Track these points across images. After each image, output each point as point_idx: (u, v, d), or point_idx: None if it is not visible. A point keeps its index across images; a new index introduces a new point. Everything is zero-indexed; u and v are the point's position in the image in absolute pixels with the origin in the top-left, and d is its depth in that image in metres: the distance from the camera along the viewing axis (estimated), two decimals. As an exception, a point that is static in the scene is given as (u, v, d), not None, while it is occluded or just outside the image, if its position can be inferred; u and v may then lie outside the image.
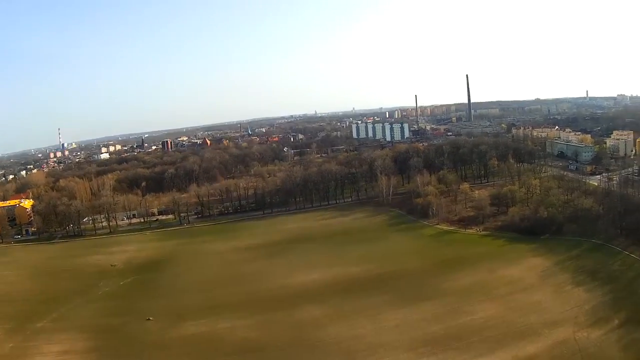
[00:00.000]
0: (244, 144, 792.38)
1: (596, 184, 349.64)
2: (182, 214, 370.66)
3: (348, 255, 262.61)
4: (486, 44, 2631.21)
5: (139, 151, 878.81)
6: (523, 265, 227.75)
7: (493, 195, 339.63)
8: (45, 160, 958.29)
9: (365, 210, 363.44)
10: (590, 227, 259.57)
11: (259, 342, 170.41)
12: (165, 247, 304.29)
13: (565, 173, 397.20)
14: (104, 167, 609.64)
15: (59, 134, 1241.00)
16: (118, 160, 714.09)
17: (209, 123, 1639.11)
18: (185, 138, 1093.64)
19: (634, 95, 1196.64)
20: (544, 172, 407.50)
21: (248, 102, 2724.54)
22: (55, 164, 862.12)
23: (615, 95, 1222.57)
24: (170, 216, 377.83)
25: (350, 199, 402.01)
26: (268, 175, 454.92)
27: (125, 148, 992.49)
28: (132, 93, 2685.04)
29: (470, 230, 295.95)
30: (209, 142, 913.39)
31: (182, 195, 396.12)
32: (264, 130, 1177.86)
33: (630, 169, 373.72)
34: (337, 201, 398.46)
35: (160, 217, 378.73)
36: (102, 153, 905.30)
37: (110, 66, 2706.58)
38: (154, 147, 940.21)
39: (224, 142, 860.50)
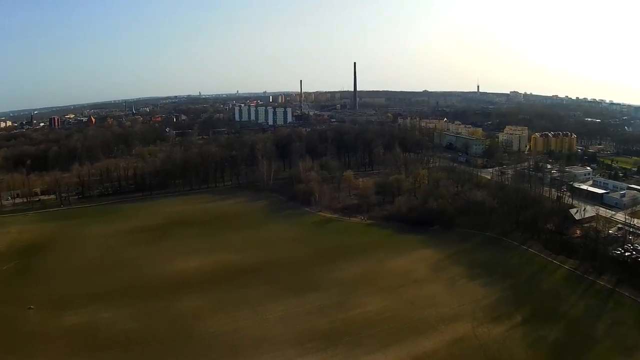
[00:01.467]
0: (128, 123, 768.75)
1: (488, 177, 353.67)
2: (63, 195, 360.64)
3: (228, 241, 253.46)
4: (375, 33, 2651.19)
5: (28, 128, 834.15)
6: (413, 257, 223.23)
7: (379, 183, 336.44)
8: None
9: (246, 195, 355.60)
10: (483, 220, 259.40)
11: (140, 334, 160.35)
12: (46, 230, 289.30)
13: (454, 165, 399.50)
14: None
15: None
16: (7, 136, 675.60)
17: (96, 101, 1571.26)
18: (72, 116, 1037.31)
19: (528, 92, 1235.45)
20: (433, 163, 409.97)
21: (134, 81, 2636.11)
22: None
23: (509, 92, 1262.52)
24: (52, 196, 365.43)
25: (230, 183, 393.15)
26: (149, 156, 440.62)
27: (16, 124, 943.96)
28: (21, 67, 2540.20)
29: (355, 219, 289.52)
30: (93, 120, 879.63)
31: (65, 175, 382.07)
32: (147, 110, 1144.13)
33: (525, 164, 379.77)
34: (217, 185, 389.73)
35: (42, 197, 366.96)
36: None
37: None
38: (42, 124, 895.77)
39: (108, 120, 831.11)
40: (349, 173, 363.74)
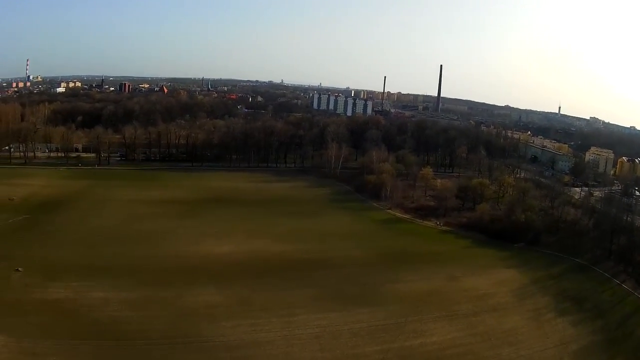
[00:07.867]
0: (200, 97, 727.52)
1: (576, 197, 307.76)
2: (103, 154, 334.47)
3: (275, 228, 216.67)
4: (460, 43, 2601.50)
5: (96, 90, 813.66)
6: (493, 277, 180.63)
7: (460, 186, 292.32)
8: (7, 90, 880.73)
9: (308, 180, 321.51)
10: (571, 244, 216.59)
11: (130, 326, 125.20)
12: (72, 187, 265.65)
13: (540, 179, 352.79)
14: (49, 99, 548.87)
15: (27, 65, 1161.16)
16: (69, 94, 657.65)
17: (176, 76, 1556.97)
18: (146, 85, 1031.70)
19: (607, 121, 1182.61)
20: (517, 174, 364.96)
21: (216, 62, 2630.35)
22: (13, 94, 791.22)
23: (589, 117, 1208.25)
24: (93, 154, 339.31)
25: (293, 165, 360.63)
26: (213, 129, 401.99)
27: (86, 86, 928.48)
28: (110, 35, 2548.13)
29: (429, 223, 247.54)
30: (165, 89, 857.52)
31: (115, 136, 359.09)
32: (225, 89, 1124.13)
33: (612, 188, 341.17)
34: (278, 165, 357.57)
35: (82, 154, 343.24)
36: (59, 88, 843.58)
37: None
38: (111, 89, 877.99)
39: (180, 91, 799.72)
40: (427, 170, 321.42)
